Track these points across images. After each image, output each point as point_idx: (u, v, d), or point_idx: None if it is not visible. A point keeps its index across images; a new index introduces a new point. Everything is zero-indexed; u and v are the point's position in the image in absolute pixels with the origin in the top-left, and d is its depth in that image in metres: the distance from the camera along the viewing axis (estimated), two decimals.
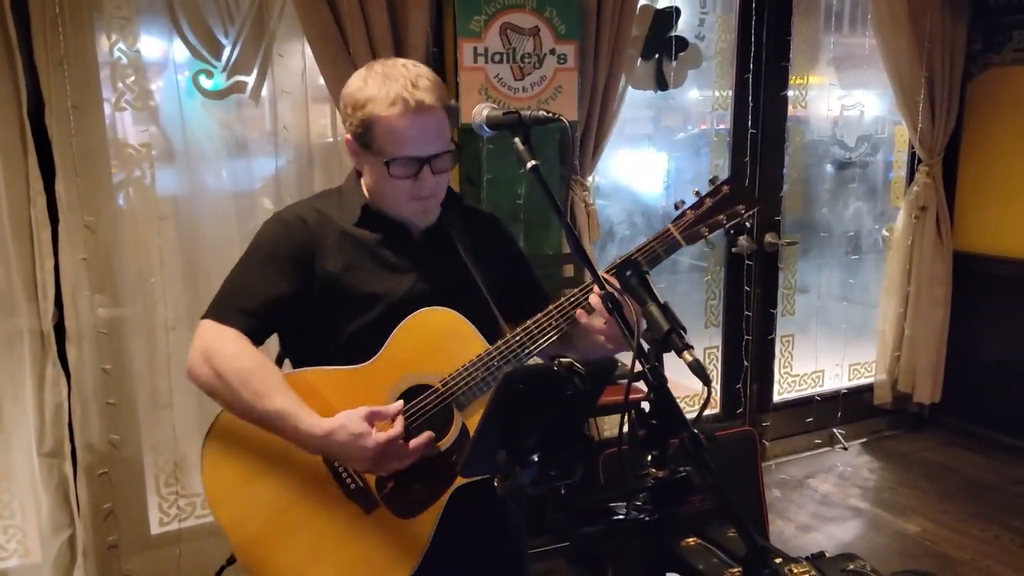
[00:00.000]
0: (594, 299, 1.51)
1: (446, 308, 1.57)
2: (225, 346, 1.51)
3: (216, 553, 2.87)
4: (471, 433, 1.51)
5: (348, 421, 1.45)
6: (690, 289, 3.90)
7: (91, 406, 2.52)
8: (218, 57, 2.70)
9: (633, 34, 3.20)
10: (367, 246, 1.60)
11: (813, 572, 2.32)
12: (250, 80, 2.75)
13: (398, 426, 1.47)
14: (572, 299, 1.55)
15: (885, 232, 4.45)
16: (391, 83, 1.52)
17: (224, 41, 2.69)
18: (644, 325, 1.24)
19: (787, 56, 3.69)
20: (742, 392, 3.85)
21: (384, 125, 1.51)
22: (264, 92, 2.77)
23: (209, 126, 2.74)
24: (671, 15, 3.43)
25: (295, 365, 1.66)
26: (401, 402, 1.51)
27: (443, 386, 1.53)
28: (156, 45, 2.63)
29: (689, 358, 1.19)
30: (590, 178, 3.25)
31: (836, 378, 4.25)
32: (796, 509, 3.55)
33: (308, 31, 2.61)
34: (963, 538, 3.29)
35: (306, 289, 1.57)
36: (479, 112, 1.47)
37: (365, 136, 1.55)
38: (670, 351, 1.23)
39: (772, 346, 3.96)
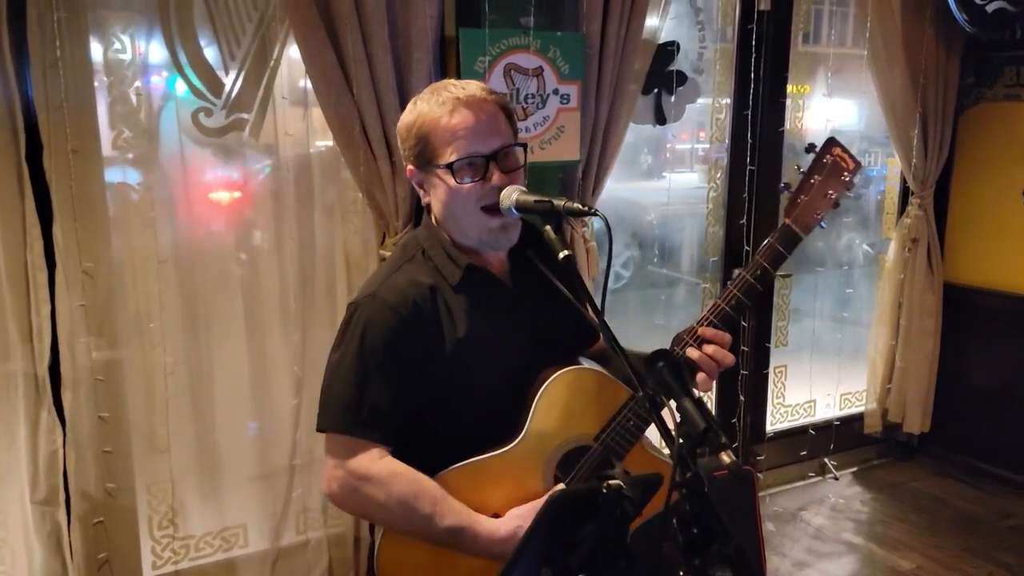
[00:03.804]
0: (702, 331, 1.55)
1: (576, 367, 1.55)
2: (373, 471, 1.45)
3: None
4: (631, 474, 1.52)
5: (524, 522, 1.43)
6: (687, 310, 3.91)
7: (87, 454, 2.47)
8: (218, 95, 2.66)
9: (636, 68, 3.19)
10: (476, 312, 1.54)
11: None
12: (250, 117, 2.71)
13: None
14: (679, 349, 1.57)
15: (867, 247, 4.48)
16: (439, 93, 1.51)
17: (224, 79, 2.65)
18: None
19: (784, 92, 3.70)
20: (737, 426, 3.85)
21: (438, 128, 1.47)
22: (264, 130, 2.73)
23: (209, 165, 2.70)
24: (672, 51, 3.43)
25: (410, 456, 1.54)
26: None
27: (598, 443, 1.52)
28: (156, 84, 2.58)
29: (727, 459, 1.18)
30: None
31: (828, 408, 4.28)
32: (791, 544, 3.56)
33: (311, 71, 2.57)
34: (956, 575, 3.31)
35: (429, 374, 1.50)
36: (508, 195, 1.45)
37: (423, 152, 1.50)
38: (706, 448, 1.22)
39: (766, 379, 3.97)
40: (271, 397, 2.80)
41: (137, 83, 2.50)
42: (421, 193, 1.58)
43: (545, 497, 1.07)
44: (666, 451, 1.66)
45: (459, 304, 1.53)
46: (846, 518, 3.80)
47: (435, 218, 1.59)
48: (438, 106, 1.49)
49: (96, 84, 2.43)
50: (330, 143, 2.75)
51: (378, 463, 1.46)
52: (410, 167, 1.56)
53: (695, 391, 1.33)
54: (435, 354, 1.50)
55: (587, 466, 1.52)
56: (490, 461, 1.51)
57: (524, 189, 1.45)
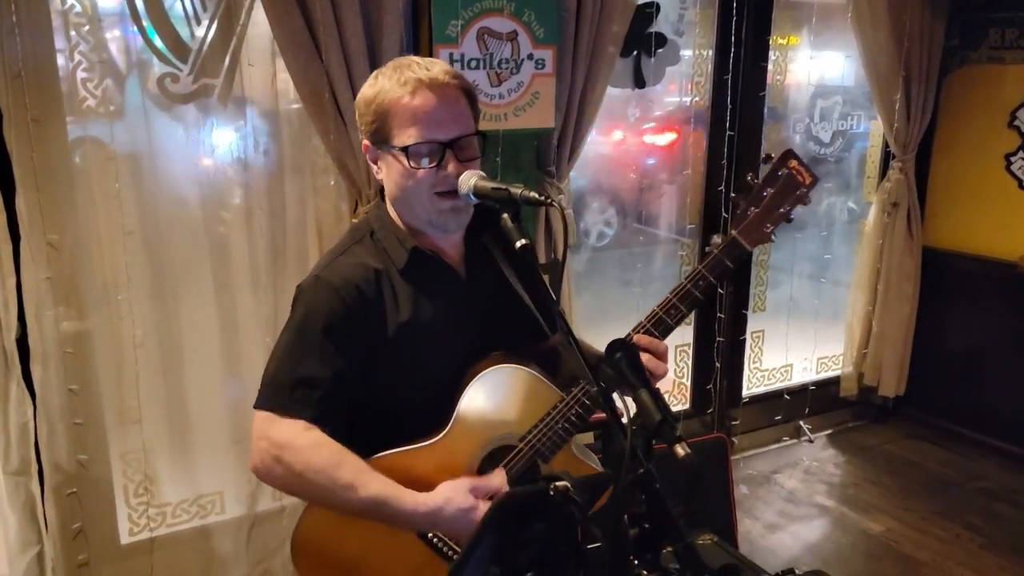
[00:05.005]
0: (637, 339, 1.53)
1: (511, 365, 1.53)
2: (296, 440, 1.42)
3: (187, 562, 2.87)
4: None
5: (454, 495, 1.41)
6: (666, 272, 3.91)
7: (58, 426, 2.46)
8: (184, 60, 2.59)
9: (614, 31, 3.12)
10: (422, 297, 1.52)
11: None
12: (218, 83, 2.65)
13: None
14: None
15: (851, 205, 4.47)
16: (402, 71, 1.47)
17: (191, 44, 2.59)
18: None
19: (766, 56, 3.65)
20: (713, 391, 3.88)
21: (398, 108, 1.44)
22: (232, 96, 2.67)
23: (176, 133, 2.65)
24: (652, 12, 3.36)
25: (351, 441, 1.54)
26: (503, 473, 1.48)
27: (524, 444, 1.51)
28: (121, 49, 2.51)
29: (681, 452, 1.17)
30: (565, 182, 3.21)
31: (804, 371, 4.31)
32: (763, 507, 3.62)
33: (279, 37, 2.50)
34: (925, 537, 3.38)
35: (370, 359, 1.49)
36: (467, 180, 1.42)
37: (380, 130, 1.47)
38: (660, 440, 1.22)
39: (743, 345, 3.99)
40: (243, 367, 2.79)
41: (100, 49, 2.43)
42: (375, 169, 1.55)
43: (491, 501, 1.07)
44: (593, 456, 1.66)
45: (405, 288, 1.52)
46: (819, 481, 3.85)
47: (389, 197, 1.57)
48: (399, 85, 1.45)
49: (57, 50, 2.37)
50: (299, 107, 2.69)
51: (301, 435, 1.43)
52: (366, 142, 1.54)
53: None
54: (377, 338, 1.49)
55: (513, 466, 1.52)
56: (415, 452, 1.50)
57: (483, 174, 1.43)
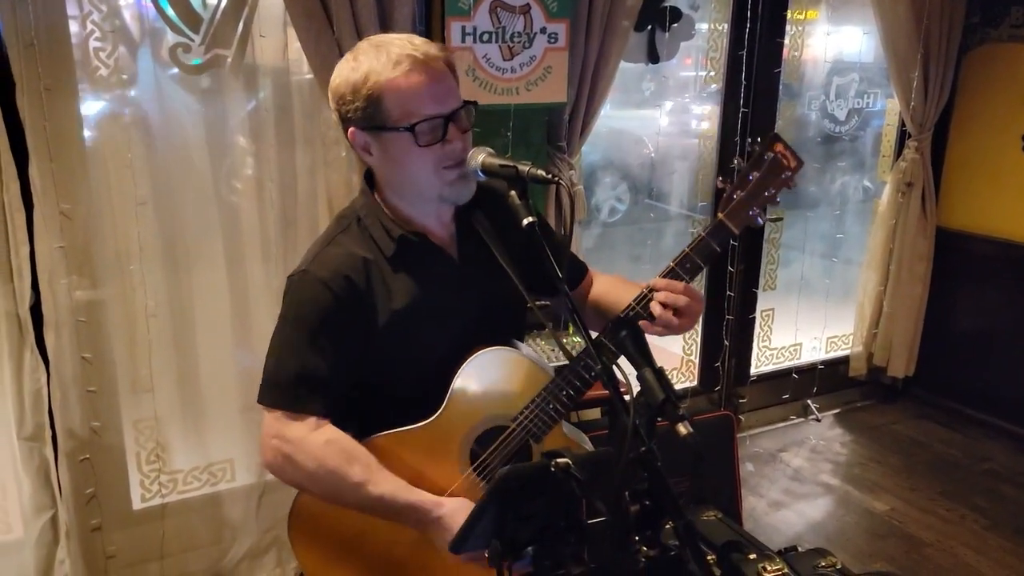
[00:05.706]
0: (655, 305, 1.49)
1: (502, 347, 1.54)
2: (307, 439, 1.45)
3: (198, 528, 2.92)
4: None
5: (464, 509, 1.42)
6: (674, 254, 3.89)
7: (71, 393, 2.49)
8: (196, 30, 2.59)
9: (628, 4, 3.09)
10: (414, 283, 1.51)
11: (786, 569, 2.37)
12: (229, 54, 2.65)
13: None
14: (629, 312, 1.52)
15: (866, 183, 4.44)
16: (387, 48, 1.42)
17: (202, 13, 2.58)
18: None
19: (782, 31, 3.60)
20: (720, 369, 3.88)
21: (395, 89, 1.40)
22: (244, 67, 2.66)
23: (188, 103, 2.65)
24: None
25: (350, 423, 1.56)
26: None
27: (516, 424, 1.52)
28: (133, 18, 2.51)
29: (683, 431, 1.18)
30: (576, 157, 3.19)
31: (814, 351, 4.30)
32: (768, 485, 3.63)
33: (291, 7, 2.50)
34: (929, 518, 3.39)
35: (365, 347, 1.50)
36: (474, 156, 1.41)
37: (374, 115, 1.42)
38: (664, 419, 1.23)
39: (752, 324, 3.98)
40: (253, 338, 2.81)
41: (113, 17, 2.43)
42: (367, 157, 1.50)
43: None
44: (584, 436, 1.67)
45: (395, 276, 1.51)
46: (825, 460, 3.86)
47: (382, 181, 1.54)
48: (391, 65, 1.40)
49: (70, 18, 2.37)
50: (311, 78, 2.69)
51: (312, 433, 1.45)
52: (352, 129, 1.47)
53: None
54: (371, 327, 1.49)
55: (505, 446, 1.53)
56: (409, 433, 1.51)
57: (491, 151, 1.42)
